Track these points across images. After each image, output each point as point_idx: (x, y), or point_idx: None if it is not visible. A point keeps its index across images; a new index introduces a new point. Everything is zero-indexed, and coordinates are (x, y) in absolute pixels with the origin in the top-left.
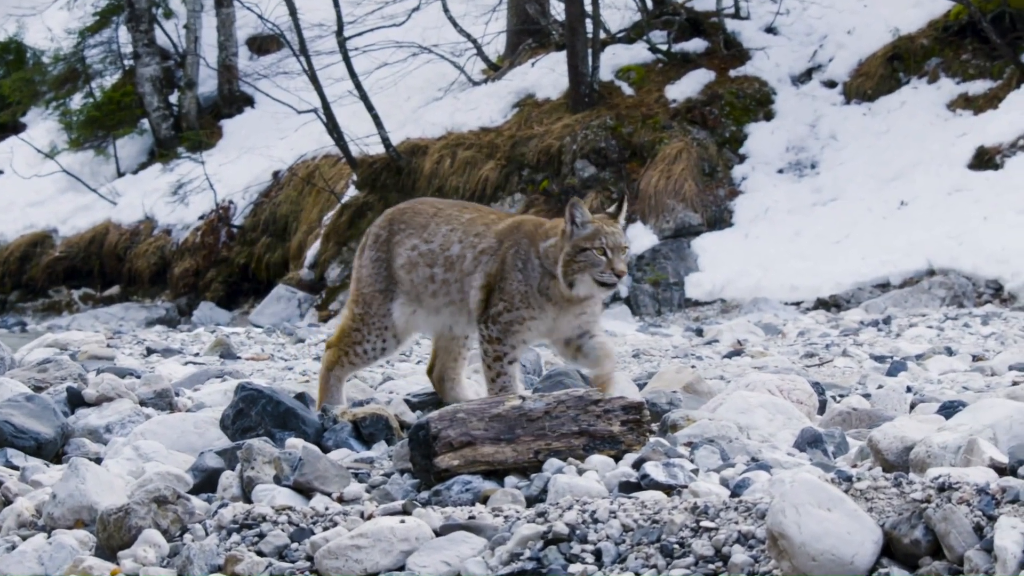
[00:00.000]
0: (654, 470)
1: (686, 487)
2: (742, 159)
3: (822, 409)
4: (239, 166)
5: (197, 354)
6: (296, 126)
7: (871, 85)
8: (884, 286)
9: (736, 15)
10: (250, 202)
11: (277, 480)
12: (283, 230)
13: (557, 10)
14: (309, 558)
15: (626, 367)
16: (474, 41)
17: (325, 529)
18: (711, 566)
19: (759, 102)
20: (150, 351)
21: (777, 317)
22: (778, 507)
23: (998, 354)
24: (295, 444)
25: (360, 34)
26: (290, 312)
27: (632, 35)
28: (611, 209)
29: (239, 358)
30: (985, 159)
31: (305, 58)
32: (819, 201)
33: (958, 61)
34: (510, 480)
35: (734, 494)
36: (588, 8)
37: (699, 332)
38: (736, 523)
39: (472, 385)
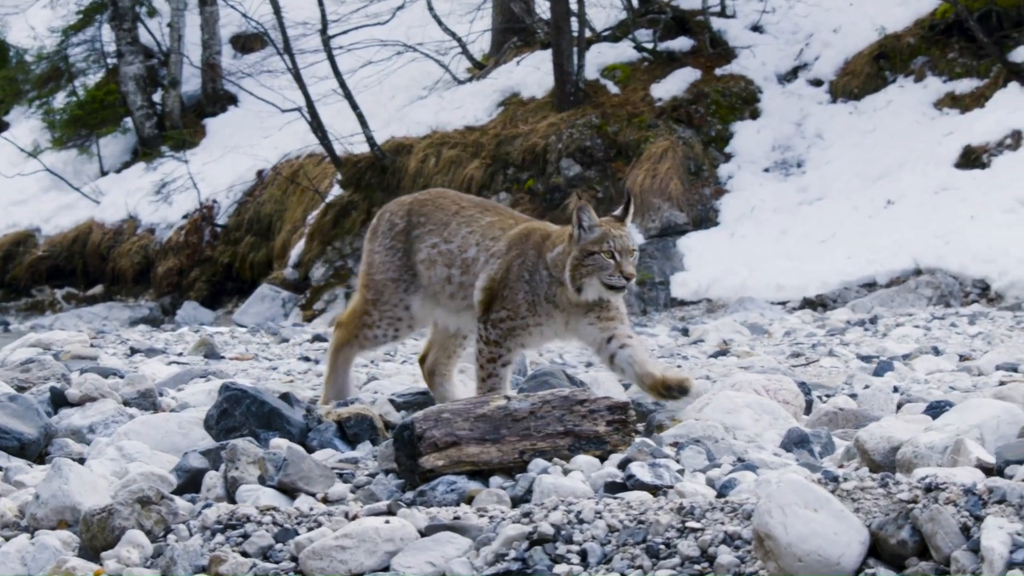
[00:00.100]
0: (640, 470)
1: (672, 487)
2: (728, 158)
3: (808, 409)
4: (223, 165)
5: (181, 354)
6: (280, 125)
7: (857, 84)
8: (870, 285)
9: (722, 13)
10: (234, 201)
11: (261, 480)
12: (267, 229)
13: (542, 8)
14: (294, 559)
15: None
16: (459, 40)
17: (310, 529)
18: (697, 567)
19: (745, 101)
20: (134, 351)
21: (763, 317)
22: (764, 508)
23: (985, 354)
24: (279, 444)
25: (344, 32)
26: (274, 312)
27: (618, 33)
28: (617, 212)
29: (223, 358)
30: (972, 158)
31: (289, 56)
32: (805, 200)
33: (944, 60)
34: (495, 480)
35: (720, 494)
36: (573, 6)
37: (685, 332)
38: (722, 524)
39: (461, 385)
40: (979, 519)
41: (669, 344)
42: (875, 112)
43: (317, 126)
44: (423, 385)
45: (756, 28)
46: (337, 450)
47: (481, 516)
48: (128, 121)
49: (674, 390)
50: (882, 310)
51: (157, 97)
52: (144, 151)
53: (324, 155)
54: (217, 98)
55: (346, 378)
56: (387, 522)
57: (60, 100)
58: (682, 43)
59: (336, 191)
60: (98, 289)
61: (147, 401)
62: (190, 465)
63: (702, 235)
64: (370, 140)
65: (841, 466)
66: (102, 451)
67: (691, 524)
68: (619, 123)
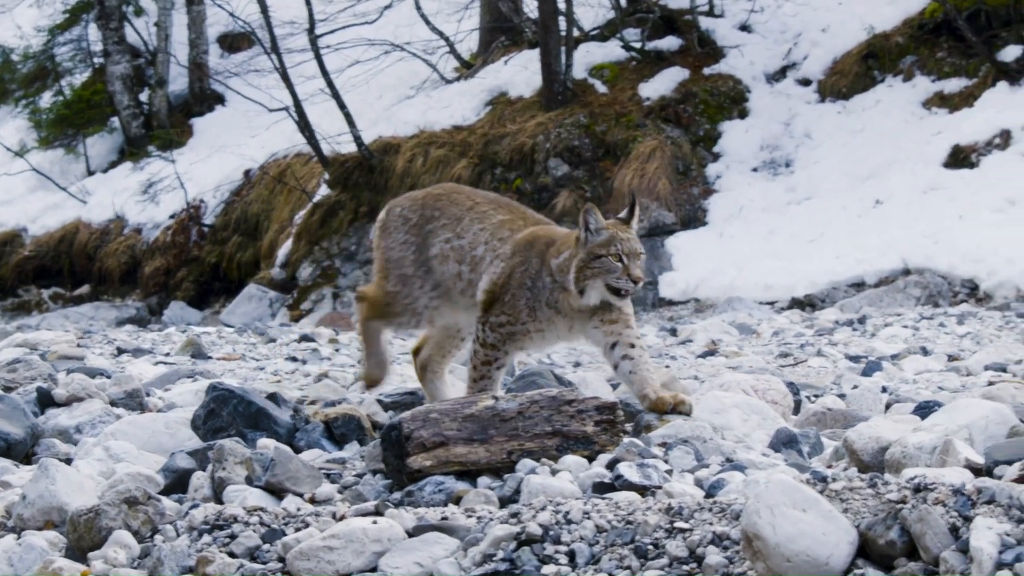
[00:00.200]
0: (628, 471)
1: (660, 488)
2: (716, 158)
3: (797, 409)
4: (210, 165)
5: (168, 354)
6: (267, 124)
7: (846, 83)
8: (859, 285)
9: (710, 13)
10: (221, 201)
11: (249, 481)
12: (254, 229)
13: (530, 7)
14: (281, 559)
15: (599, 367)
16: (446, 39)
17: (297, 530)
18: (685, 567)
19: (733, 100)
20: (120, 351)
21: (751, 317)
22: (753, 508)
23: (974, 354)
24: (267, 444)
25: (332, 32)
26: (261, 312)
27: (606, 33)
28: (623, 214)
29: (210, 358)
30: (961, 158)
31: (276, 56)
32: (794, 200)
33: (933, 59)
34: (483, 481)
35: (708, 495)
36: (561, 6)
37: (673, 332)
38: (710, 524)
39: (451, 384)
40: (968, 519)
41: (657, 344)
42: (864, 111)
43: (304, 126)
44: (411, 385)
45: (744, 27)
46: (324, 450)
47: (469, 516)
48: (115, 121)
49: (669, 414)
50: (870, 310)
51: (144, 97)
52: (131, 151)
53: (311, 155)
54: (204, 97)
55: (381, 347)
56: (375, 522)
57: (47, 99)
58: (670, 42)
59: (323, 191)
60: (85, 289)
61: (134, 401)
62: (177, 465)
63: (690, 235)
64: (357, 140)
65: (830, 466)
66: (89, 451)
67: (679, 524)
68: (607, 122)
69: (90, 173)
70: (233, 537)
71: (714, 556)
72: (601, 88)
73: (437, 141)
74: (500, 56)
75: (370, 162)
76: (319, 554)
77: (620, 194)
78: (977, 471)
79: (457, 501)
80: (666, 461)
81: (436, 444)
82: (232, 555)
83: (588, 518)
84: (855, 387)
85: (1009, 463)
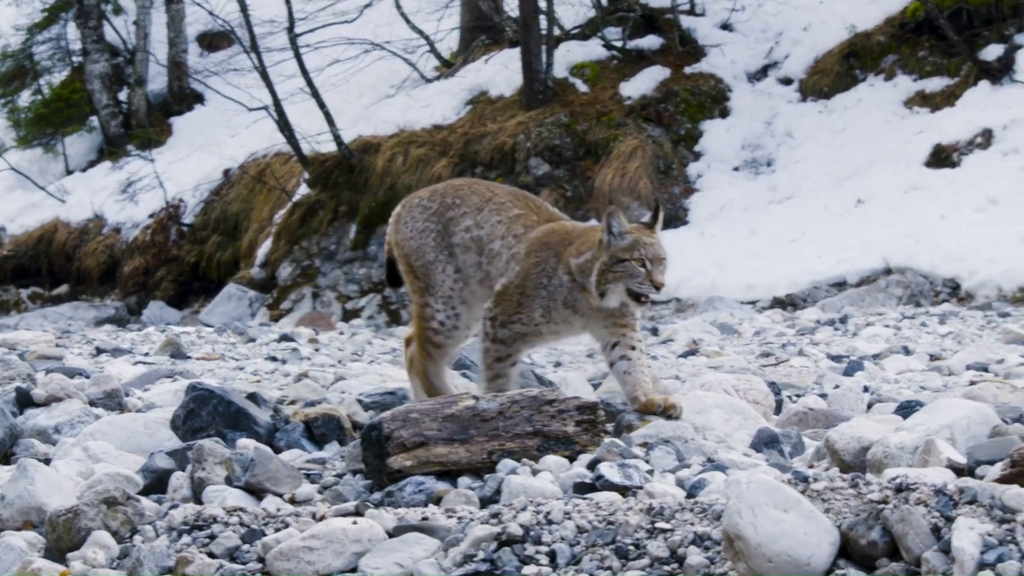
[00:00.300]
0: (609, 471)
1: (641, 488)
2: (697, 157)
3: (778, 409)
4: (189, 164)
5: (147, 354)
6: (247, 123)
7: (827, 82)
8: (840, 285)
9: (691, 12)
10: (200, 200)
11: (228, 481)
12: (234, 228)
13: (511, 6)
14: (261, 559)
15: (580, 367)
16: (427, 38)
17: (277, 530)
18: (666, 568)
19: (714, 99)
20: (99, 351)
21: (733, 316)
22: (734, 508)
23: (955, 353)
24: (246, 445)
25: (312, 31)
26: (241, 311)
27: (586, 32)
28: (646, 219)
29: (189, 358)
30: (942, 157)
31: (256, 55)
32: (775, 199)
33: (915, 58)
34: (463, 481)
35: (690, 495)
36: (542, 4)
37: (654, 331)
38: (692, 524)
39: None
40: (950, 520)
41: None
42: (845, 111)
43: (284, 125)
44: (391, 385)
45: (726, 26)
46: (304, 450)
47: (449, 517)
48: (94, 120)
49: (658, 416)
50: (852, 309)
51: (123, 96)
52: (110, 150)
53: (291, 154)
54: (183, 97)
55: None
56: (355, 523)
57: (25, 98)
58: (651, 41)
59: (303, 190)
60: (63, 289)
61: (113, 401)
62: (156, 466)
63: (671, 234)
64: (337, 139)
65: (811, 466)
66: (68, 451)
67: (661, 525)
68: (588, 122)
69: (69, 172)
70: (213, 537)
71: (695, 556)
72: (582, 87)
73: (417, 140)
74: (481, 55)
75: (350, 161)
76: (299, 554)
77: (600, 193)
78: (959, 471)
79: (437, 501)
80: (647, 461)
81: (416, 444)
82: (212, 556)
83: (569, 518)
84: (837, 387)
85: (991, 463)
